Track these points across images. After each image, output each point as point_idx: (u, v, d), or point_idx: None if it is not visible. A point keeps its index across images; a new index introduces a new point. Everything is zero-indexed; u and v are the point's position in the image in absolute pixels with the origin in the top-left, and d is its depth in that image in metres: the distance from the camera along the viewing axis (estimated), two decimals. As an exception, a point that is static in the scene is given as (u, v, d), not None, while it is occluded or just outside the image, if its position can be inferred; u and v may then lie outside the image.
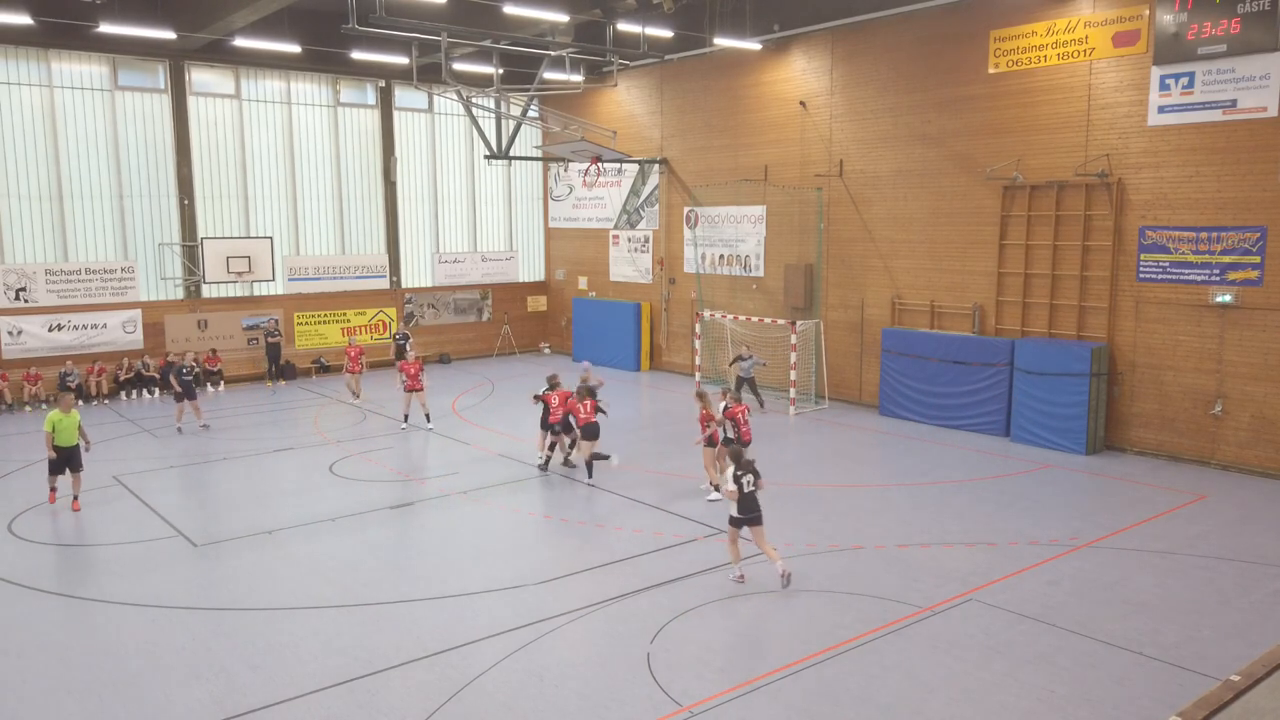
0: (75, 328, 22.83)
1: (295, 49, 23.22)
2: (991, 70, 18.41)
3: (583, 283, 29.62)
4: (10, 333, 22.03)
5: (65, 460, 14.00)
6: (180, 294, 24.42)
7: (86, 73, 22.82)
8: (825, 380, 21.91)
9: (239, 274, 24.33)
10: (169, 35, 21.29)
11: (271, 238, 25.20)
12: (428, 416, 19.48)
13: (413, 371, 19.24)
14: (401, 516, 13.91)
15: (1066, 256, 17.63)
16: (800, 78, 22.21)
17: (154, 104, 23.81)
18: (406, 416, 19.64)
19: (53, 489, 14.19)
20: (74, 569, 11.76)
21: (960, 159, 19.06)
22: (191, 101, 24.26)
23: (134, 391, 23.21)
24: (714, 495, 13.89)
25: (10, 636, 9.74)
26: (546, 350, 30.83)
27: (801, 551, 11.90)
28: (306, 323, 26.54)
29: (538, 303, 31.00)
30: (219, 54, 23.76)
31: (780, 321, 21.68)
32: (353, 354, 22.52)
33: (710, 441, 14.31)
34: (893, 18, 19.84)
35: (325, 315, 26.85)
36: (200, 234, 24.35)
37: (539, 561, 11.99)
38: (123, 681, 8.72)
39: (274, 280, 25.37)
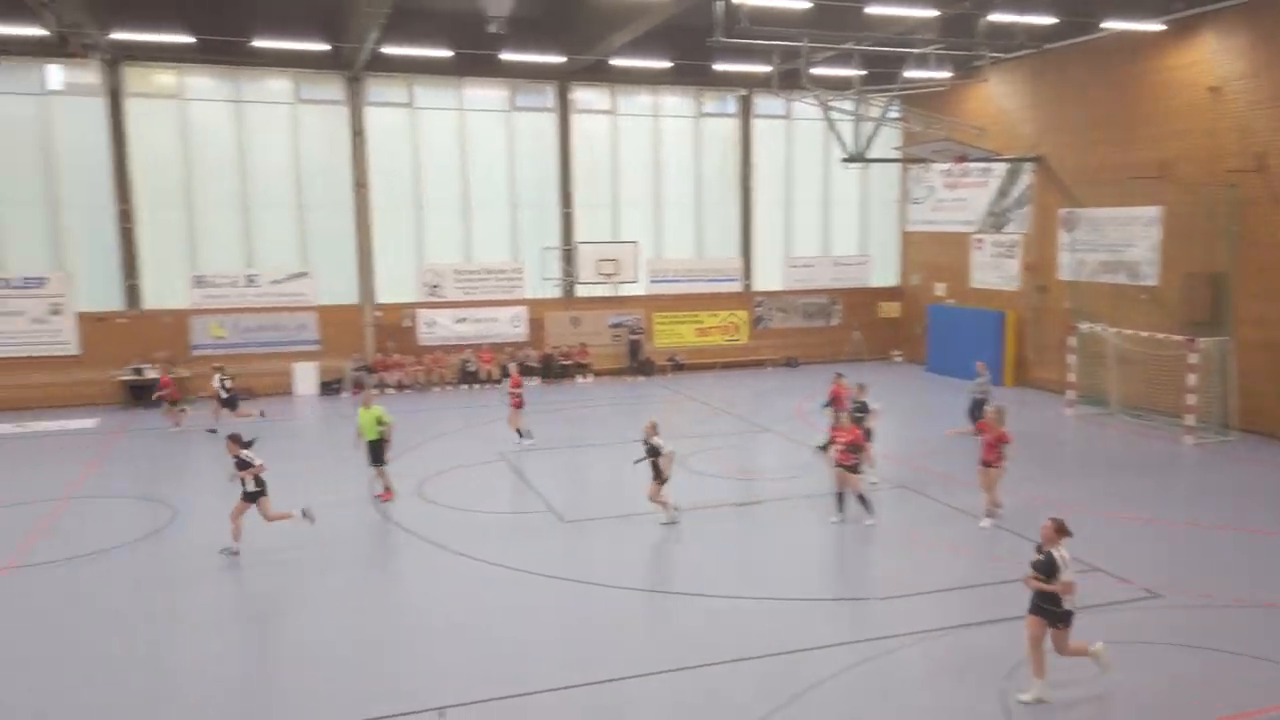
0: (474, 320, 26.12)
1: (665, 64, 24.65)
2: None
3: (940, 289, 28.26)
4: (427, 323, 25.73)
5: (369, 453, 14.49)
6: (558, 293, 26.96)
7: (490, 97, 25.99)
8: (1234, 408, 18.86)
9: (607, 276, 26.34)
10: (559, 59, 23.59)
11: (636, 242, 26.95)
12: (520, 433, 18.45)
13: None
14: (744, 515, 14.18)
15: None
16: (1210, 60, 19.34)
17: (544, 122, 26.50)
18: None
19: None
20: (461, 530, 13.39)
21: None
22: (574, 118, 26.68)
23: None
24: (984, 522, 12.97)
25: (407, 578, 11.34)
26: (898, 358, 29.84)
27: (1196, 603, 10.34)
28: (664, 323, 28.06)
29: (890, 309, 30.11)
30: (598, 74, 25.87)
31: (1175, 337, 19.05)
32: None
33: (987, 462, 13.10)
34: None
35: (681, 316, 28.20)
36: (576, 239, 26.70)
37: (883, 576, 11.60)
38: (490, 637, 9.76)
39: (637, 282, 27.11)
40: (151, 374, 22.73)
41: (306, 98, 24.39)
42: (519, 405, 18.23)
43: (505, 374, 22.41)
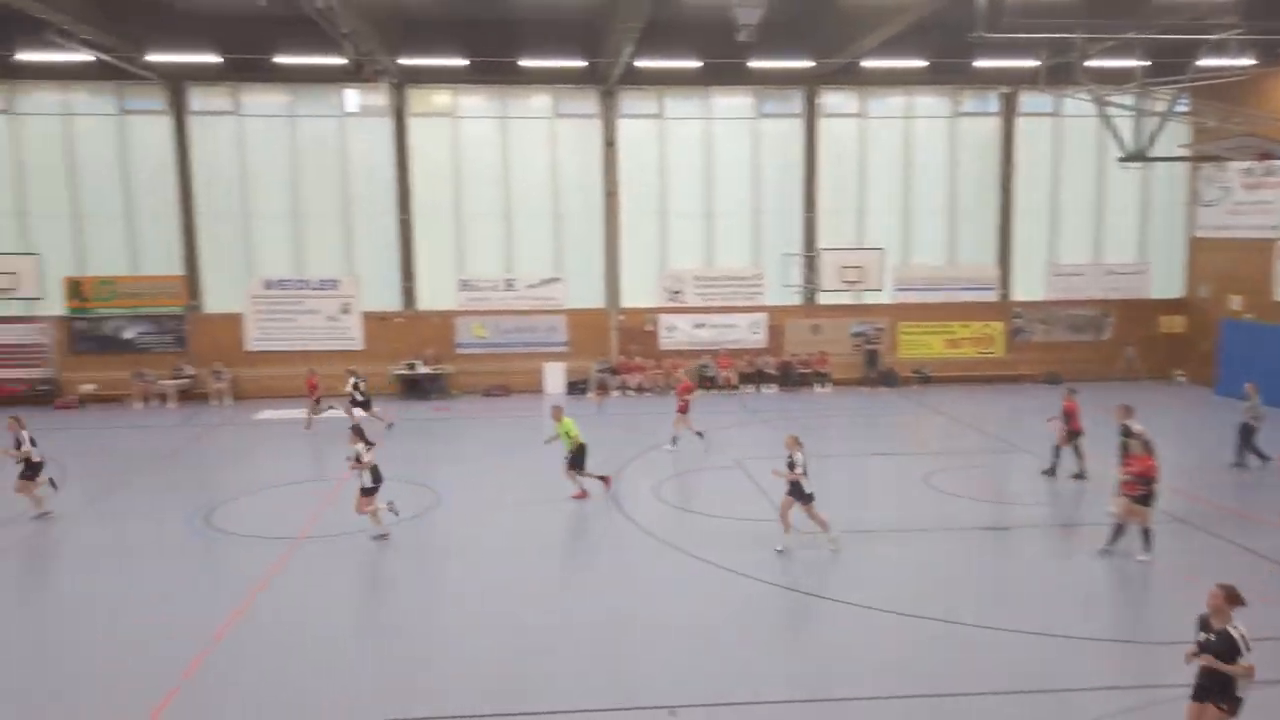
0: (713, 326, 26.36)
1: (919, 64, 23.66)
2: None
3: (1235, 302, 25.05)
4: (667, 328, 26.30)
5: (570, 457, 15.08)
6: (799, 300, 26.61)
7: (736, 104, 26.15)
8: None
9: (851, 283, 25.65)
10: (808, 64, 23.31)
11: (882, 249, 26.06)
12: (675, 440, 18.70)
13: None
14: (996, 540, 13.27)
15: None
16: None
17: (789, 128, 26.28)
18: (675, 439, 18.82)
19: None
20: (696, 533, 13.47)
21: None
22: (821, 123, 26.24)
23: (754, 385, 25.92)
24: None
25: (642, 577, 11.58)
26: (1180, 379, 26.77)
27: None
28: (911, 333, 26.92)
29: (1173, 323, 27.07)
30: (848, 76, 25.27)
31: None
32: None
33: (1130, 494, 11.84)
34: None
35: (929, 326, 26.92)
36: (819, 245, 26.24)
37: (1159, 618, 10.41)
38: (722, 641, 9.72)
39: (882, 290, 26.19)
40: (423, 369, 24.91)
41: (564, 112, 25.72)
42: (684, 410, 18.65)
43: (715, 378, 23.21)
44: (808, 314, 26.73)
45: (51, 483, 14.74)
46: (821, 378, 26.07)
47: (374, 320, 25.46)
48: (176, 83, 23.94)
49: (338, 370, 25.02)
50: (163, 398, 24.19)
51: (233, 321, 24.97)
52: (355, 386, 20.79)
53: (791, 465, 12.40)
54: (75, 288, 24.38)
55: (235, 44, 21.81)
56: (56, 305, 24.32)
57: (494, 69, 23.42)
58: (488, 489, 16.13)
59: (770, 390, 25.70)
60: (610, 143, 25.61)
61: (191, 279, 24.88)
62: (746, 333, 26.53)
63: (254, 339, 25.08)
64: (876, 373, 26.26)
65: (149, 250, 24.85)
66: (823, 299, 26.49)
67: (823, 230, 26.47)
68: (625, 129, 25.78)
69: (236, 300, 25.03)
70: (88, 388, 24.30)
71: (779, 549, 12.47)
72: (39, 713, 8.55)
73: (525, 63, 22.98)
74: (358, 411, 20.48)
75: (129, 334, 24.72)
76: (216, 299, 25.17)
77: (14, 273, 23.28)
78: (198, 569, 12.51)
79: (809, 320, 26.71)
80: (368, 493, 13.08)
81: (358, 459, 13.00)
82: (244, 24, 21.08)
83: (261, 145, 24.86)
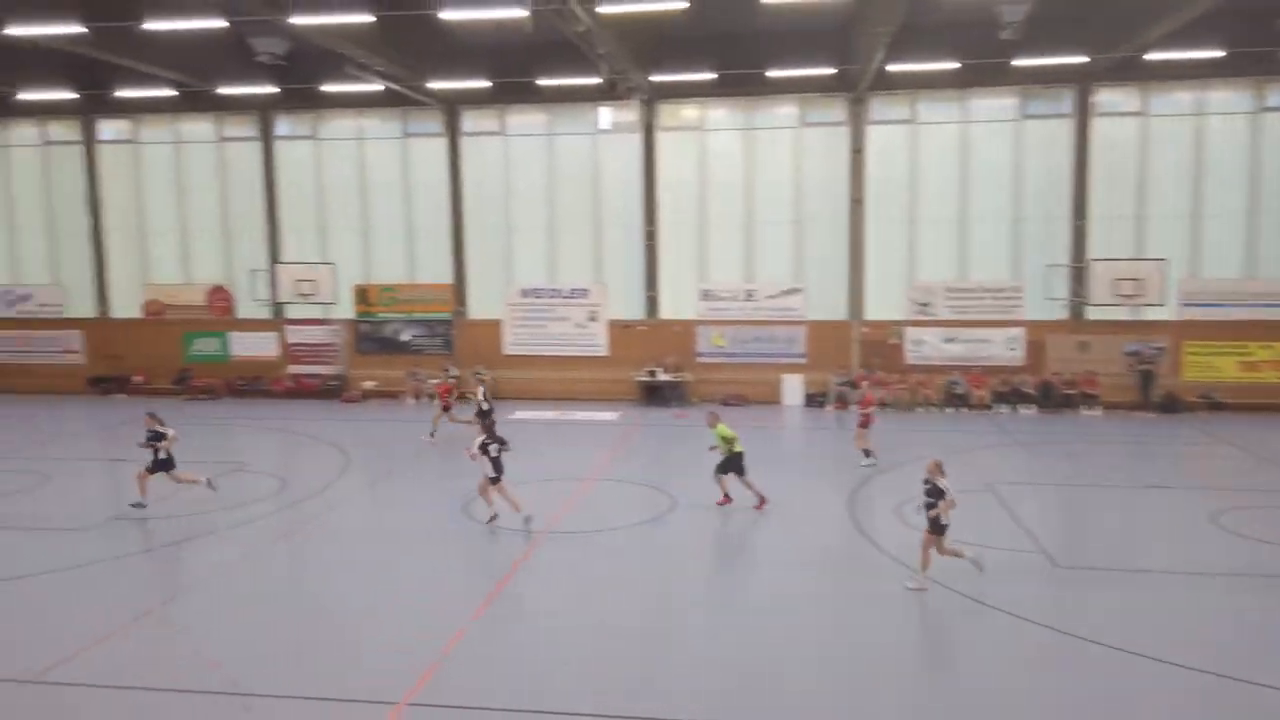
0: (965, 341, 24.93)
1: (1215, 54, 21.15)
2: None
3: None
4: (914, 342, 25.20)
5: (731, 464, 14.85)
6: (1064, 314, 24.58)
7: (996, 106, 24.61)
8: None
9: (1126, 297, 23.32)
10: (1081, 60, 21.53)
11: (1165, 259, 23.49)
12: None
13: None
14: (1304, 592, 11.49)
15: None
16: None
17: (1056, 129, 24.36)
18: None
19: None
20: (936, 558, 12.71)
21: None
22: (1094, 123, 24.12)
23: (1009, 405, 24.21)
24: None
25: (881, 599, 11.07)
26: None
27: None
28: (1198, 353, 24.06)
29: None
30: (1127, 72, 23.06)
31: None
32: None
33: None
34: None
35: (1221, 346, 23.93)
36: (1089, 255, 24.10)
37: None
38: (953, 676, 9.06)
39: (1163, 305, 23.60)
40: (664, 376, 25.49)
41: (810, 121, 25.40)
42: (866, 424, 18.15)
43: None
44: (1074, 330, 24.62)
45: (210, 483, 15.69)
46: (1089, 400, 23.89)
47: (618, 328, 26.36)
48: (452, 107, 26.10)
49: (588, 375, 26.24)
50: (431, 396, 26.37)
51: (493, 327, 26.80)
52: (485, 396, 20.46)
53: (939, 494, 11.28)
54: (362, 294, 27.19)
55: (503, 69, 23.47)
56: (347, 309, 27.22)
57: (741, 81, 23.58)
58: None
59: (1028, 411, 23.90)
60: (858, 150, 24.97)
61: (459, 287, 26.99)
62: (1002, 349, 24.86)
63: (510, 343, 26.79)
64: (1154, 396, 23.66)
65: (424, 260, 27.25)
66: (1092, 314, 24.30)
67: (1093, 239, 24.30)
68: (874, 135, 25.05)
69: (496, 307, 26.86)
70: (369, 384, 26.99)
71: (909, 585, 11.47)
72: (312, 670, 9.51)
73: (773, 73, 22.94)
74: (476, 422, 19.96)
75: (405, 336, 27.22)
76: (480, 305, 27.13)
77: (314, 280, 26.34)
78: (455, 554, 13.47)
79: (1075, 337, 24.58)
80: (493, 481, 14.26)
81: (482, 449, 14.29)
82: (511, 50, 22.63)
83: (522, 163, 26.55)
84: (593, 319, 26.47)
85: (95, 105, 26.75)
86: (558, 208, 26.62)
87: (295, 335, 27.55)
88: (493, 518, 14.25)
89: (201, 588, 12.12)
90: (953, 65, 22.15)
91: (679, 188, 26.05)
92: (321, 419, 23.30)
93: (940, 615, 10.80)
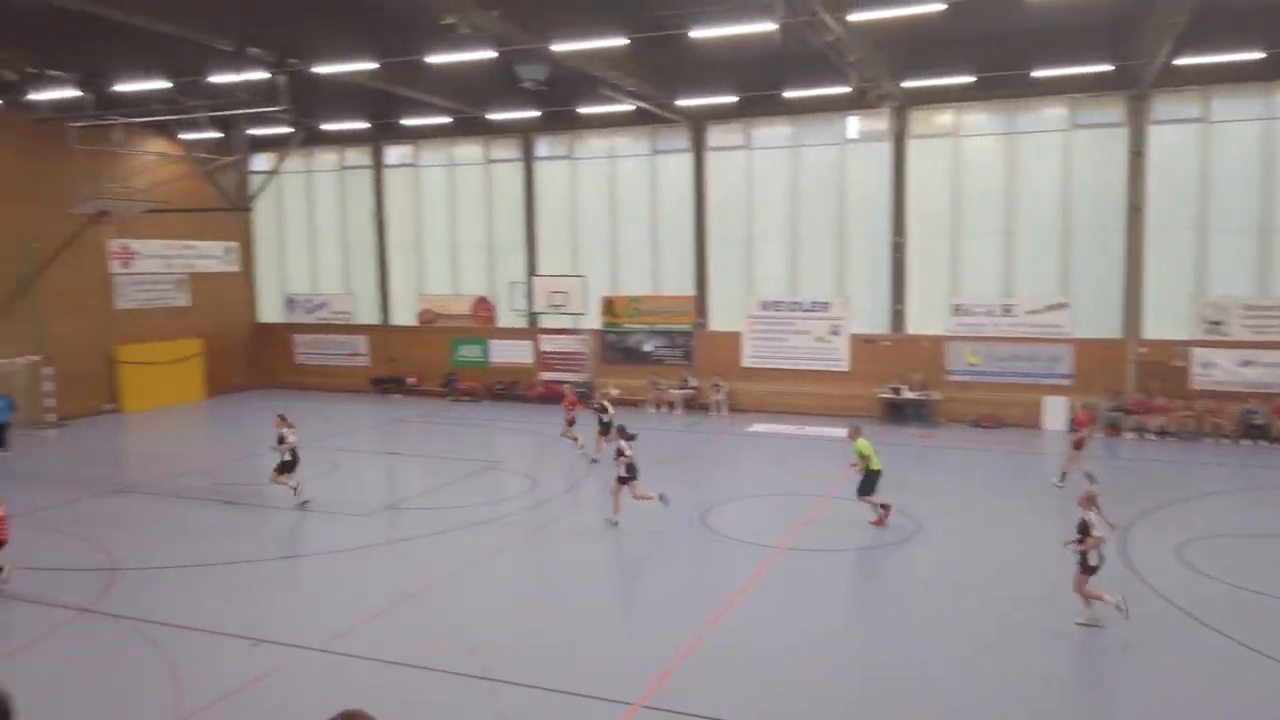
0: (1266, 365, 21.93)
1: None
2: None
3: None
4: (1202, 364, 22.49)
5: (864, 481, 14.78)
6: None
7: (1314, 98, 21.53)
8: None
9: None
10: None
11: None
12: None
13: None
14: None
15: None
16: None
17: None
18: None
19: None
20: (1229, 608, 11.19)
21: None
22: None
23: (1321, 441, 21.04)
24: None
25: (1157, 654, 9.88)
26: None
27: None
28: None
29: None
30: None
31: None
32: None
33: None
34: None
35: None
36: None
37: None
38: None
39: None
40: (908, 394, 24.47)
41: (1081, 123, 23.43)
42: (1079, 446, 17.21)
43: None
44: None
45: (295, 491, 16.32)
46: None
47: (861, 342, 25.61)
48: (699, 123, 26.58)
49: (828, 390, 25.72)
50: (671, 405, 26.92)
51: (732, 339, 26.94)
52: (604, 409, 20.16)
53: (1086, 529, 10.48)
54: (609, 305, 28.28)
55: (749, 83, 23.58)
56: (594, 320, 28.42)
57: (1002, 83, 22.18)
58: (969, 525, 15.21)
59: (1346, 448, 20.64)
60: (1137, 152, 22.70)
61: (700, 299, 27.38)
62: (1313, 375, 21.62)
63: (749, 355, 26.79)
64: None
65: (667, 273, 27.92)
66: None
67: None
68: (1156, 136, 22.68)
69: (736, 319, 26.97)
70: (614, 392, 27.96)
71: (1084, 623, 10.53)
72: (553, 663, 9.92)
73: (1038, 73, 21.38)
74: (603, 440, 19.63)
75: (648, 347, 27.99)
76: (720, 318, 27.38)
77: (565, 291, 27.73)
78: (692, 561, 13.62)
79: None
80: (623, 481, 15.00)
81: (620, 453, 15.05)
82: (757, 64, 22.67)
83: (766, 175, 26.51)
84: (834, 333, 25.90)
85: (383, 133, 29.77)
86: (801, 220, 26.32)
87: (548, 344, 29.13)
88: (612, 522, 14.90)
89: (460, 576, 13.05)
90: (1256, 55, 19.60)
91: (930, 196, 24.92)
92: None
93: (1238, 675, 9.50)
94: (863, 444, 14.86)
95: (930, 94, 23.61)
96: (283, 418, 16.67)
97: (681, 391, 26.97)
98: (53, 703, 8.85)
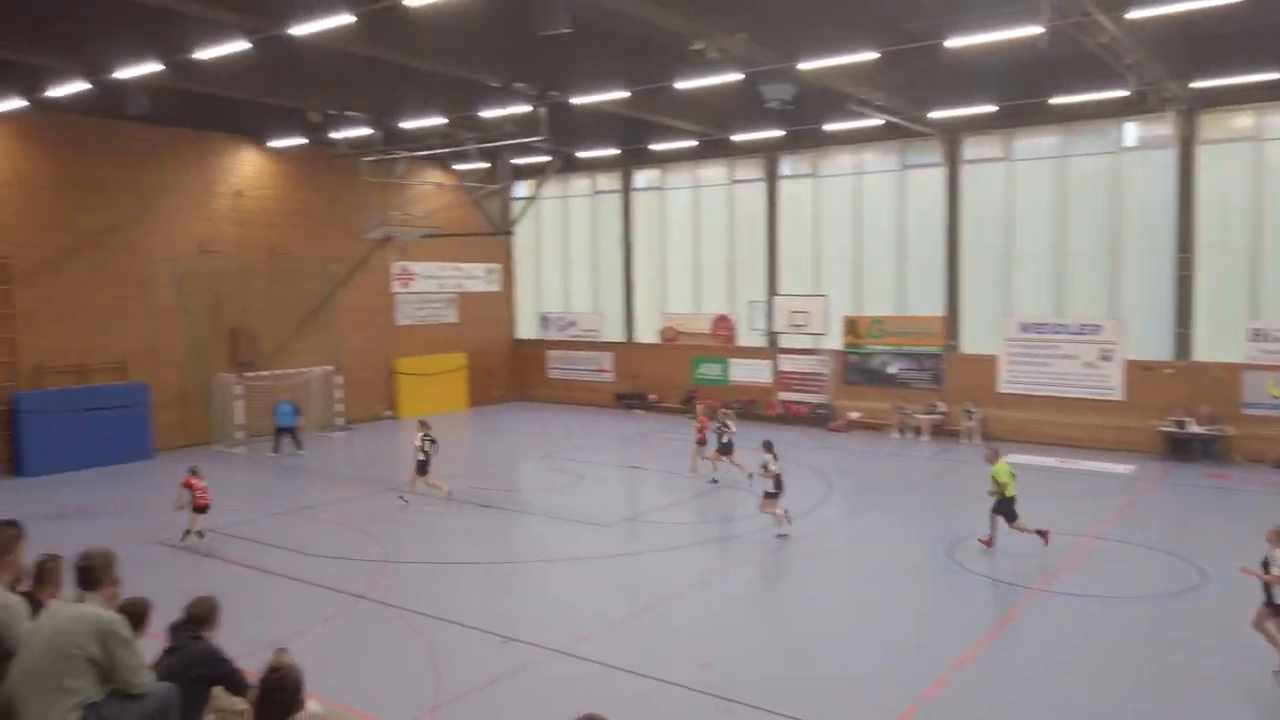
0: None
1: None
2: None
3: None
4: None
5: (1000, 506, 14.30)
6: None
7: None
8: None
9: None
10: None
11: None
12: None
13: None
14: None
15: None
16: None
17: None
18: None
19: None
20: None
21: None
22: None
23: None
24: None
25: None
26: None
27: None
28: None
29: None
30: None
31: None
32: None
33: None
34: None
35: None
36: None
37: None
38: None
39: None
40: (1195, 429, 21.84)
41: None
42: None
43: None
44: None
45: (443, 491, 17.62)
46: None
47: (1138, 369, 23.21)
48: (953, 135, 25.36)
49: (1097, 421, 23.58)
50: (917, 430, 25.72)
51: (986, 363, 25.32)
52: (724, 425, 19.73)
53: (1266, 565, 9.80)
54: (851, 325, 27.55)
55: (1010, 91, 22.16)
56: (835, 340, 27.80)
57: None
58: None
59: None
60: None
61: (951, 320, 26.02)
62: None
63: (1005, 381, 25.06)
64: None
65: (915, 293, 26.79)
66: None
67: None
68: None
69: (991, 342, 25.36)
70: (854, 415, 27.22)
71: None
72: (791, 689, 9.69)
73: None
74: (723, 459, 19.54)
75: (892, 369, 26.95)
76: (973, 340, 25.87)
77: (806, 311, 27.35)
78: (937, 596, 12.89)
79: None
80: (770, 497, 15.26)
81: (764, 467, 15.29)
82: (1019, 70, 21.26)
83: (1027, 188, 24.79)
84: (1105, 358, 23.65)
85: (633, 158, 30.89)
86: (1067, 235, 24.32)
87: (787, 363, 28.84)
88: (782, 536, 15.19)
89: (695, 591, 13.15)
90: None
91: (1224, 208, 22.19)
92: (807, 445, 23.99)
93: None
94: (1000, 468, 14.47)
95: (1224, 95, 21.10)
96: (423, 423, 18.61)
97: (929, 416, 25.71)
98: (334, 677, 9.82)
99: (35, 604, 5.63)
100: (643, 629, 11.63)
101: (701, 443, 20.28)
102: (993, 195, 25.31)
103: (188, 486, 15.14)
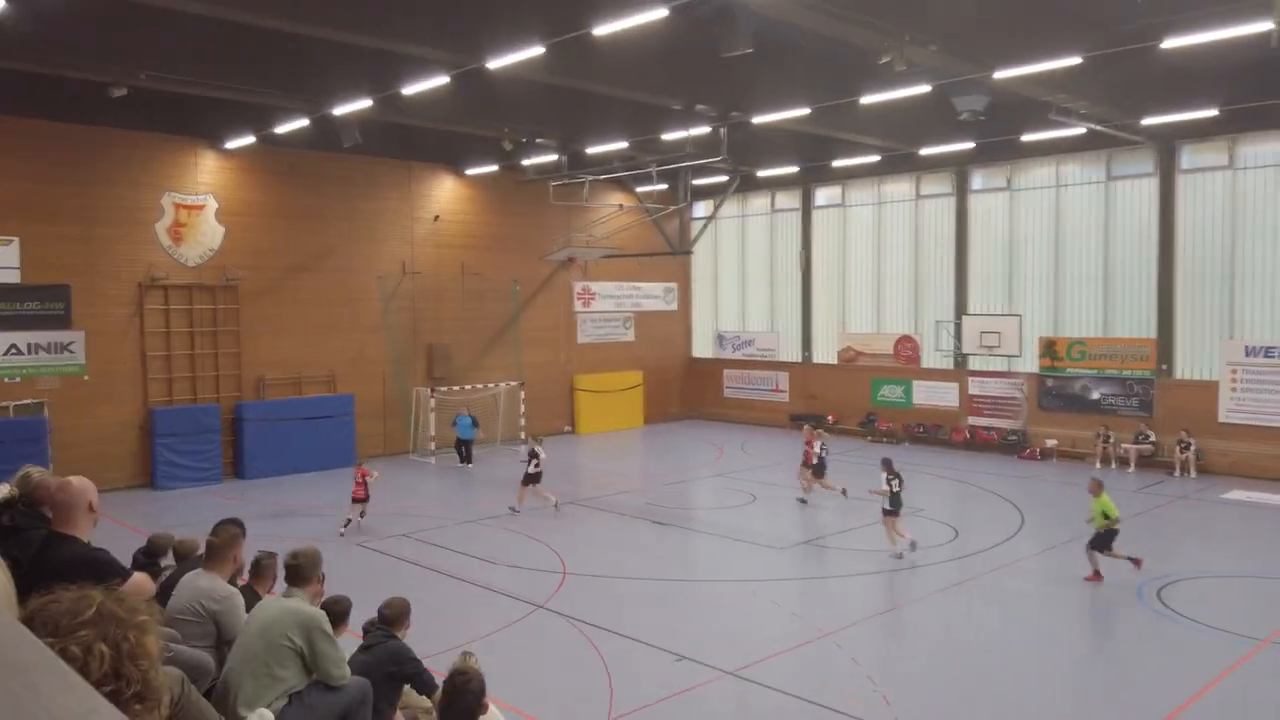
0: None
1: None
2: None
3: None
4: None
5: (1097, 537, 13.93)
6: None
7: None
8: None
9: None
10: None
11: None
12: None
13: None
14: None
15: None
16: None
17: None
18: None
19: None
20: None
21: None
22: None
23: None
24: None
25: None
26: None
27: None
28: None
29: None
30: None
31: None
32: None
33: None
34: None
35: None
36: None
37: None
38: None
39: None
40: None
41: None
42: None
43: None
44: None
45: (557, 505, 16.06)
46: None
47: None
48: (1166, 143, 23.41)
49: None
50: (1123, 461, 23.77)
51: (1206, 390, 23.09)
52: (823, 448, 19.82)
53: None
54: (1049, 347, 25.85)
55: (1236, 94, 20.21)
56: (1030, 363, 26.18)
57: None
58: None
59: None
60: None
61: (1163, 342, 23.93)
62: None
63: (1228, 410, 22.75)
64: None
65: (1121, 313, 24.84)
66: None
67: None
68: None
69: (1211, 367, 23.12)
70: (1050, 442, 25.47)
71: None
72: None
73: None
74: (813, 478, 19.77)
75: (1094, 394, 25.07)
76: (1189, 364, 23.70)
77: (999, 332, 25.94)
78: (1140, 644, 11.81)
79: None
80: (888, 514, 15.37)
81: (889, 484, 15.37)
82: (1247, 70, 19.36)
83: (1256, 198, 22.50)
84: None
85: (813, 176, 30.42)
86: (1304, 250, 21.90)
87: (976, 387, 27.42)
88: (905, 552, 15.17)
89: (875, 621, 12.67)
90: None
91: None
92: (998, 474, 22.70)
93: None
94: (1104, 501, 14.11)
95: None
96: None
97: (1137, 446, 23.69)
98: (513, 684, 10.14)
99: (252, 596, 6.16)
100: (818, 656, 11.31)
101: (807, 464, 20.29)
102: (1213, 207, 23.14)
103: (359, 476, 17.06)
